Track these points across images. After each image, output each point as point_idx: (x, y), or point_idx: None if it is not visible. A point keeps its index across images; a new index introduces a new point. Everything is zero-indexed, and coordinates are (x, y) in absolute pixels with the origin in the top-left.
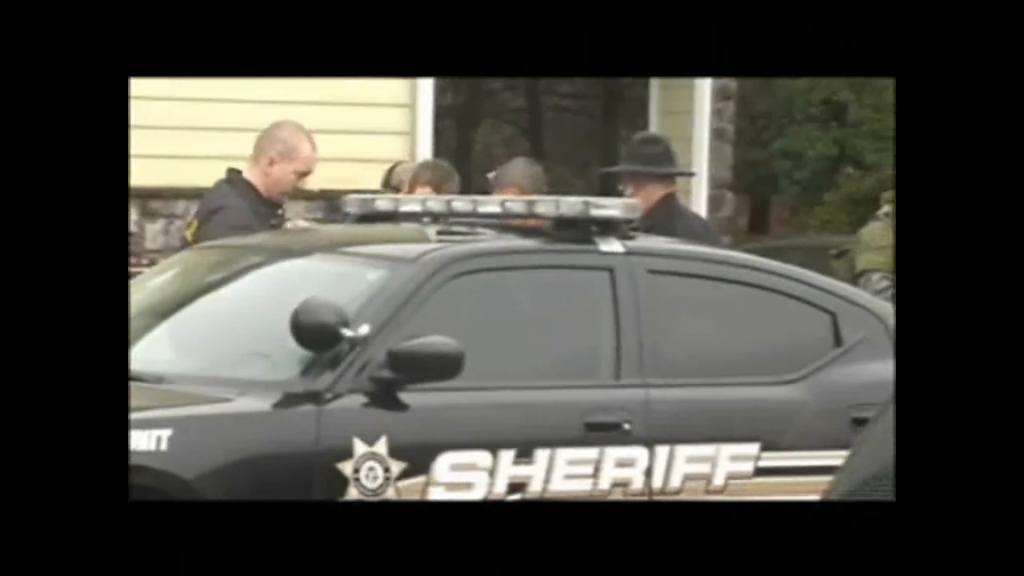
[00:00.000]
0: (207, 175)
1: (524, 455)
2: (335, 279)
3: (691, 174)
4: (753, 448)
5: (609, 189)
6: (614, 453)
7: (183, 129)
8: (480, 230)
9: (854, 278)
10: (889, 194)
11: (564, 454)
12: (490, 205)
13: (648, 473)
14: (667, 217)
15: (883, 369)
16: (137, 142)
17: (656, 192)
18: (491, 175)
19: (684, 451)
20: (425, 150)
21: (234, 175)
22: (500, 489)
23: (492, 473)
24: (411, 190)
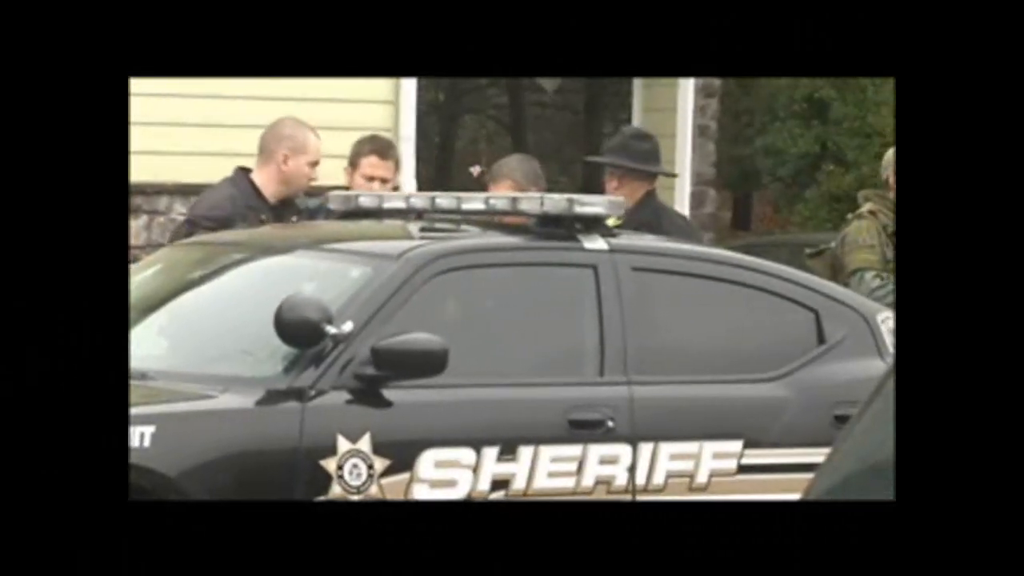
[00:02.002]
0: (189, 171)
1: (508, 452)
2: (318, 276)
3: (675, 175)
4: (736, 445)
5: (593, 185)
6: (598, 450)
7: (165, 125)
8: (464, 227)
9: (847, 277)
10: (868, 192)
11: (547, 451)
12: (474, 202)
13: (631, 470)
14: (654, 215)
15: (866, 367)
16: None
17: (640, 189)
18: (474, 169)
19: (667, 448)
20: (408, 147)
21: (239, 172)
22: (484, 486)
23: (476, 470)
24: (355, 166)
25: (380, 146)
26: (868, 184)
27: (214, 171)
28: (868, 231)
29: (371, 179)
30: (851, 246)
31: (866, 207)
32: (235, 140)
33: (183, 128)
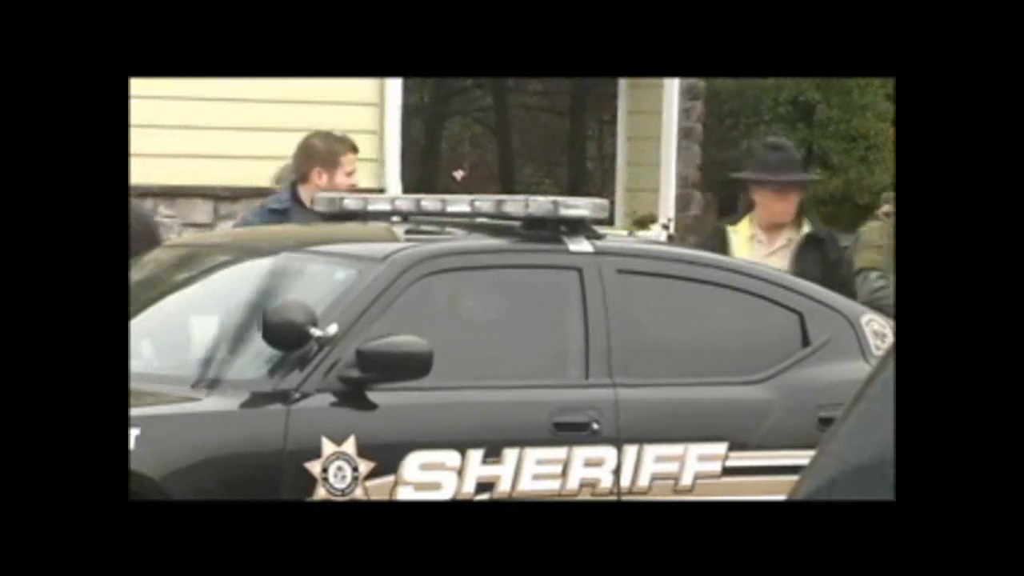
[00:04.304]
0: (174, 173)
1: (493, 455)
2: (303, 278)
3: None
4: (721, 448)
5: (577, 188)
6: (583, 453)
7: (150, 127)
8: (449, 229)
9: (854, 276)
10: (889, 194)
11: (533, 454)
12: (459, 204)
13: (616, 472)
14: (826, 233)
15: (850, 369)
16: None
17: (799, 199)
18: (457, 173)
19: (652, 451)
20: (393, 148)
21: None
22: (469, 489)
23: (460, 473)
24: (335, 164)
25: (352, 143)
26: (854, 187)
27: (199, 173)
28: (879, 232)
29: (350, 175)
30: (861, 246)
31: (883, 208)
32: (219, 142)
33: (168, 130)
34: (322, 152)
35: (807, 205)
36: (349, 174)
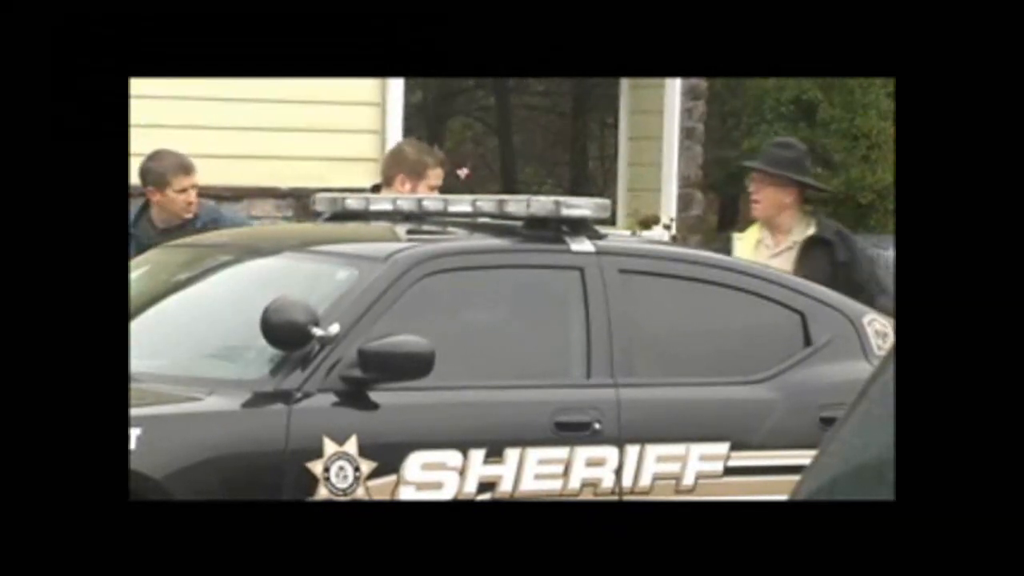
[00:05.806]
0: None
1: (494, 454)
2: (305, 278)
3: (822, 188)
4: (723, 447)
5: (579, 187)
6: (584, 452)
7: (150, 127)
8: (451, 229)
9: (868, 277)
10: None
11: (534, 453)
12: (461, 204)
13: (618, 472)
14: (839, 237)
15: (852, 369)
16: None
17: (778, 196)
18: (461, 171)
19: (654, 450)
20: None
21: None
22: (470, 488)
23: (462, 473)
24: (420, 176)
25: (442, 159)
26: (856, 186)
27: (199, 173)
28: None
29: (433, 189)
30: None
31: None
32: (220, 142)
33: (168, 130)
34: (411, 161)
35: (817, 207)
36: (432, 188)
